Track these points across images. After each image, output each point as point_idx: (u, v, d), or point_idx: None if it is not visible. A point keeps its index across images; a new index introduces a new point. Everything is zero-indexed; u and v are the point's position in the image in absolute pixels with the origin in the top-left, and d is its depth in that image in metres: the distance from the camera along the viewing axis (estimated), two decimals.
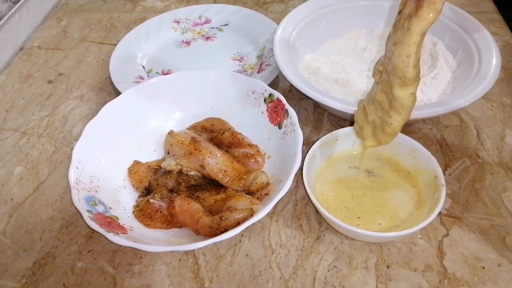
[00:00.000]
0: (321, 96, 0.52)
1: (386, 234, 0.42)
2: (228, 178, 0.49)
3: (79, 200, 0.43)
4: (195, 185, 0.50)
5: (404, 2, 0.37)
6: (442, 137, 0.57)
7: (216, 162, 0.49)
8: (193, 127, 0.56)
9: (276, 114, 0.52)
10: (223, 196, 0.47)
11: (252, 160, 0.51)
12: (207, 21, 0.77)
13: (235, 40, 0.74)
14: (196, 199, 0.48)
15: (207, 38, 0.75)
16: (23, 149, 0.60)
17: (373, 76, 0.45)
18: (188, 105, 0.57)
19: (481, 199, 0.50)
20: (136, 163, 0.52)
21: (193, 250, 0.47)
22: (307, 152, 0.48)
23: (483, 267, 0.44)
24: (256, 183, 0.48)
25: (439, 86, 0.57)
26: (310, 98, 0.53)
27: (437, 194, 0.44)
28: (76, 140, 0.49)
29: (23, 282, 0.46)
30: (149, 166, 0.52)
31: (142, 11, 0.85)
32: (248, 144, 0.53)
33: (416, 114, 0.49)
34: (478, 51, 0.56)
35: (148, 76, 0.68)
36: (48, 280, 0.46)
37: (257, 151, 0.53)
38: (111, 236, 0.40)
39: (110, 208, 0.46)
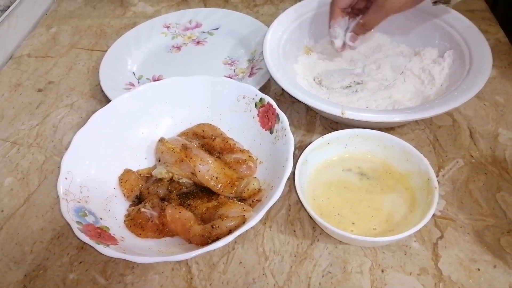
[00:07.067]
0: (312, 99, 0.51)
1: (379, 239, 0.41)
2: (220, 185, 0.49)
3: (68, 212, 0.43)
4: (186, 193, 0.49)
5: None
6: (435, 137, 0.56)
7: (207, 169, 0.49)
8: (184, 134, 0.55)
9: (267, 119, 0.52)
10: (215, 204, 0.47)
11: (244, 166, 0.51)
12: (198, 25, 0.77)
13: (226, 44, 0.73)
14: (187, 207, 0.47)
15: (198, 42, 0.75)
16: (13, 159, 0.59)
17: None
18: (179, 111, 0.56)
19: (475, 200, 0.49)
20: (127, 171, 0.52)
21: (186, 259, 0.46)
22: (299, 157, 0.47)
23: (478, 269, 0.44)
24: (248, 189, 0.47)
25: (433, 86, 0.57)
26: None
27: (430, 197, 0.43)
28: (67, 149, 0.48)
29: None
30: (140, 174, 0.52)
31: (132, 17, 0.84)
32: (240, 150, 0.53)
33: (409, 117, 0.49)
34: (469, 50, 0.56)
35: (138, 82, 0.67)
36: None
37: (249, 156, 0.52)
38: (101, 248, 0.40)
39: (101, 218, 0.46)
